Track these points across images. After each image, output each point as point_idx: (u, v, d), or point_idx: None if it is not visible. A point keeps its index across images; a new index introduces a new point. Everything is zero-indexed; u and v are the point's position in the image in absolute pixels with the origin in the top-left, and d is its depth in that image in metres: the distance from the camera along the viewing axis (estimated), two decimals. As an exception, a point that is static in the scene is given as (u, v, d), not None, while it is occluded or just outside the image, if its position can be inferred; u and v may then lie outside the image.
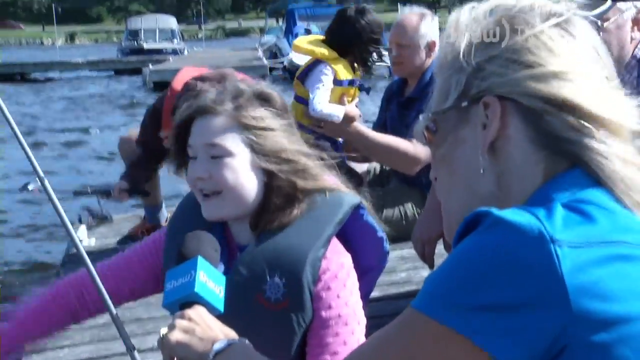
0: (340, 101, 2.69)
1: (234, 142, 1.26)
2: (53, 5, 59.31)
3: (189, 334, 1.01)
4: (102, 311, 1.38)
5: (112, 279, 1.36)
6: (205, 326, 1.02)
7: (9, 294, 4.65)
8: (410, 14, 2.81)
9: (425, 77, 2.76)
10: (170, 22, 33.23)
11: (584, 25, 0.82)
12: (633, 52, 2.10)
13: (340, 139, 2.82)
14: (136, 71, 22.40)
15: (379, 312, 2.02)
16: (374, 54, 2.78)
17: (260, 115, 1.28)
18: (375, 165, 3.13)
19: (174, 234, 1.34)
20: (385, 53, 2.95)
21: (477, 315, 0.69)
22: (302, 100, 2.73)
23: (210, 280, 1.06)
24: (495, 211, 0.71)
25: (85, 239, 3.77)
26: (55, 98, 17.49)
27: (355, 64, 2.79)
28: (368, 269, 1.37)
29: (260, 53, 24.01)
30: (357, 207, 1.31)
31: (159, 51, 28.46)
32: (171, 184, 5.13)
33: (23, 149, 1.30)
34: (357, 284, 1.30)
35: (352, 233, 1.33)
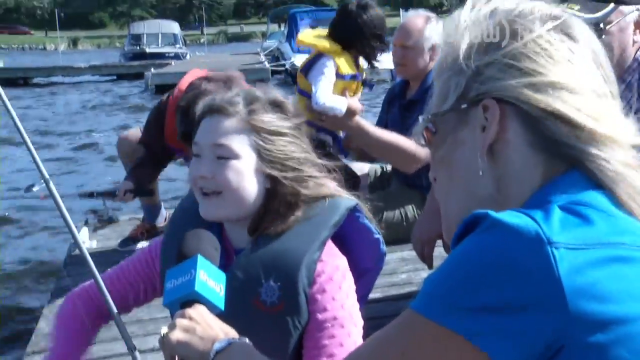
0: (342, 95, 2.69)
1: (241, 145, 1.26)
2: (56, 10, 59.45)
3: (189, 333, 1.02)
4: (125, 308, 1.43)
5: (114, 292, 1.39)
6: (206, 325, 1.02)
7: (10, 295, 4.67)
8: (415, 16, 2.81)
9: (427, 80, 2.76)
10: (172, 27, 33.28)
11: (585, 29, 0.81)
12: (635, 55, 2.10)
13: (341, 134, 2.82)
14: (139, 75, 22.40)
15: (380, 314, 2.02)
16: (377, 49, 2.77)
17: (272, 122, 1.29)
18: (376, 168, 3.13)
19: (173, 234, 1.35)
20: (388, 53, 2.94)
21: (475, 317, 0.69)
22: (306, 94, 2.73)
23: (210, 278, 1.07)
24: (493, 213, 0.71)
25: (87, 240, 3.77)
26: (58, 102, 17.52)
27: (359, 59, 2.79)
28: (365, 271, 1.37)
29: (262, 57, 24.04)
30: (353, 210, 1.31)
31: (161, 55, 28.48)
32: (170, 183, 5.14)
33: (29, 150, 1.31)
34: (353, 287, 1.30)
35: (348, 235, 1.33)
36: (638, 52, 2.11)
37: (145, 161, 3.32)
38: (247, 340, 1.03)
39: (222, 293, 1.08)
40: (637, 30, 2.08)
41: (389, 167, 3.09)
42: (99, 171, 8.60)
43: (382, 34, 2.77)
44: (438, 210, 0.89)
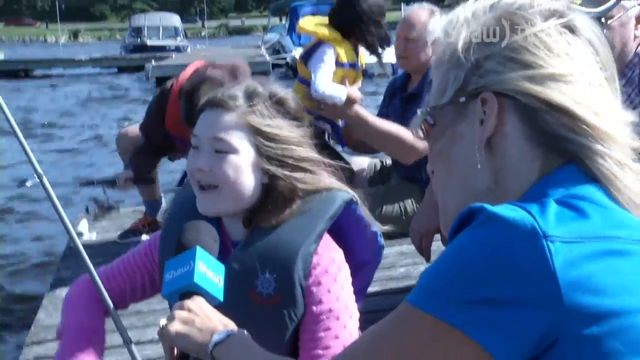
0: (342, 84, 2.68)
1: (240, 140, 1.26)
2: (57, 2, 59.30)
3: (188, 325, 1.02)
4: (123, 302, 1.43)
5: (114, 284, 1.39)
6: (205, 317, 1.03)
7: (10, 284, 4.68)
8: (419, 9, 2.81)
9: (429, 74, 2.76)
10: (173, 20, 33.24)
11: (586, 22, 0.81)
12: (636, 49, 2.10)
13: (340, 122, 2.81)
14: (139, 68, 22.37)
15: (378, 307, 2.03)
16: (377, 36, 2.76)
17: (272, 118, 1.29)
18: (375, 162, 3.13)
19: (171, 225, 1.35)
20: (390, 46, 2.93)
21: (472, 309, 0.69)
22: (305, 82, 2.72)
23: (209, 270, 1.07)
24: (489, 207, 0.71)
25: (86, 232, 3.78)
26: (59, 94, 17.51)
27: (359, 47, 2.78)
28: (363, 264, 1.37)
29: (263, 50, 24.00)
30: (350, 202, 1.31)
31: (162, 48, 28.44)
32: (171, 175, 5.14)
33: (22, 146, 1.31)
34: (349, 279, 1.30)
35: (345, 228, 1.33)
36: (639, 47, 2.11)
37: (145, 148, 3.31)
38: (245, 332, 1.03)
39: (221, 284, 1.09)
40: (639, 25, 2.08)
41: (388, 161, 3.09)
42: (100, 163, 8.61)
43: (380, 20, 2.76)
44: (436, 204, 0.89)
